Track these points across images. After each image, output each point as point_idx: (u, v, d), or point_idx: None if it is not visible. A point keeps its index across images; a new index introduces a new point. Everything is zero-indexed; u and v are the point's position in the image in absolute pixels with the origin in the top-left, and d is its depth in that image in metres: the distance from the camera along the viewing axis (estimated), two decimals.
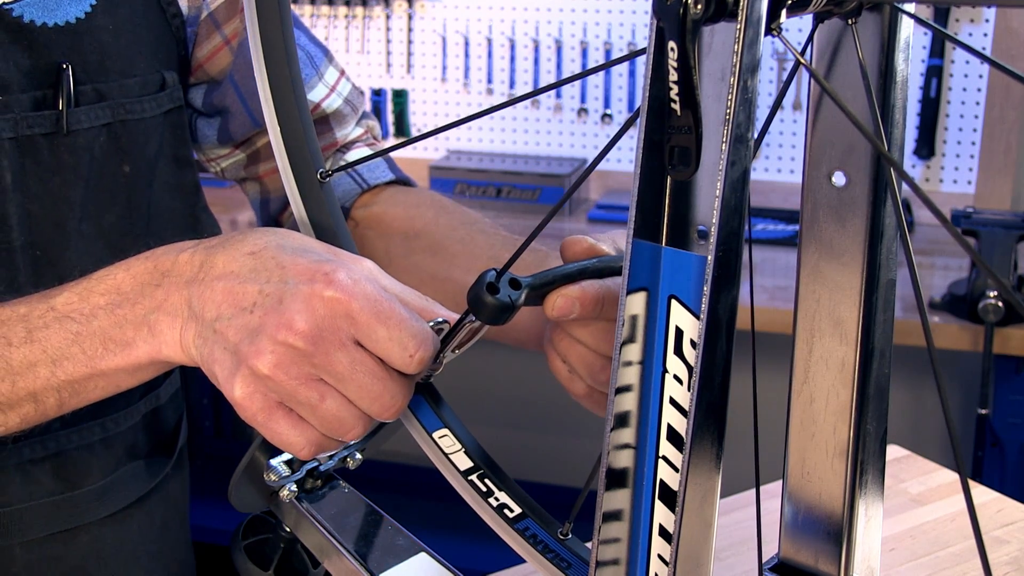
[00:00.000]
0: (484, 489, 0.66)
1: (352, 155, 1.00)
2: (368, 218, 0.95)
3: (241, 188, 1.03)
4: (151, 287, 0.65)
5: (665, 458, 0.52)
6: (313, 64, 0.97)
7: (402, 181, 0.99)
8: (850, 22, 0.52)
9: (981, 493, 1.00)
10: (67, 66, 0.79)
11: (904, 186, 0.55)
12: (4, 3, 0.76)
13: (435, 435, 0.68)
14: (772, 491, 0.63)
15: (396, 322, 0.60)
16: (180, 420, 1.01)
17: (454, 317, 0.64)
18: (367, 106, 1.01)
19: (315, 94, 0.97)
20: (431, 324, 0.63)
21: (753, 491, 1.00)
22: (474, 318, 0.63)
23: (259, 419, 0.61)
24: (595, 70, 0.61)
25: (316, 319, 0.59)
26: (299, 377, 0.60)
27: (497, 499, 0.65)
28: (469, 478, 0.66)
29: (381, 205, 0.95)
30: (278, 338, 0.59)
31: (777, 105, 0.60)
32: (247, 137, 0.97)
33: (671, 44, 0.45)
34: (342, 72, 1.00)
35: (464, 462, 0.67)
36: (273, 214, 1.01)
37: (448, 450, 0.67)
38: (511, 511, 0.65)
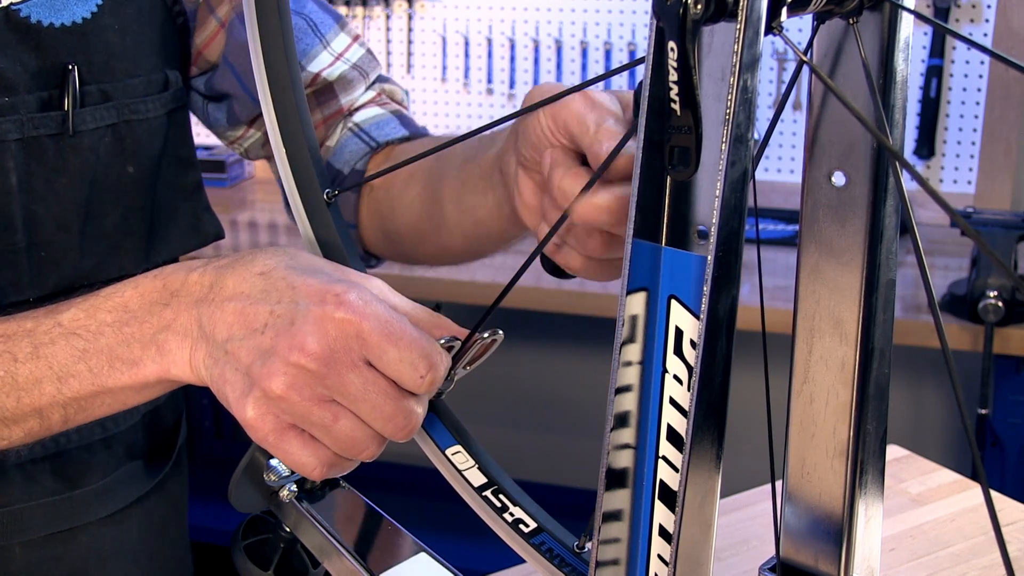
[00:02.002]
0: (499, 505, 0.66)
1: (360, 116, 0.98)
2: (382, 181, 0.93)
3: (269, 165, 1.01)
4: (159, 306, 0.65)
5: (665, 458, 0.52)
6: (317, 32, 0.95)
7: (418, 135, 0.96)
8: (851, 22, 0.52)
9: (981, 493, 1.00)
10: (73, 66, 0.79)
11: (903, 186, 0.55)
12: (11, 3, 0.76)
13: (448, 452, 0.67)
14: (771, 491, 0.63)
15: (407, 343, 0.60)
16: (179, 420, 1.00)
17: (464, 333, 0.64)
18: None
19: (317, 63, 0.95)
20: (441, 341, 0.63)
21: (752, 491, 1.00)
22: (485, 335, 0.63)
23: (271, 440, 0.61)
24: (624, 68, 0.61)
25: (328, 340, 0.59)
26: (312, 398, 0.60)
27: (512, 514, 0.65)
28: (483, 494, 0.66)
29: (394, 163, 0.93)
30: (290, 359, 0.59)
31: (782, 106, 0.60)
32: (255, 116, 0.96)
33: (671, 44, 0.45)
34: (356, 37, 0.97)
35: (478, 478, 0.67)
36: None
37: (461, 467, 0.67)
38: (526, 526, 0.65)
